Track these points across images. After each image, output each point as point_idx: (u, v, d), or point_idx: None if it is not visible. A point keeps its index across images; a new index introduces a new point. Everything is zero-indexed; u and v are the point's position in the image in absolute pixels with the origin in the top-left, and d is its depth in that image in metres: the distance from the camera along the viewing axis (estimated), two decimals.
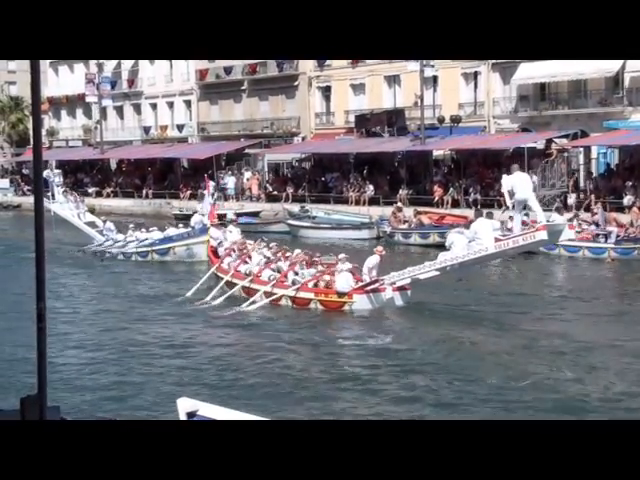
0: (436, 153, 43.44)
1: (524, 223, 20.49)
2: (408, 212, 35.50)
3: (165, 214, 46.24)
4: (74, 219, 33.95)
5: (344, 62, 49.98)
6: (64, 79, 69.54)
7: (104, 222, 33.27)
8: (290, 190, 44.97)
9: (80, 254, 30.96)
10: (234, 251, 23.49)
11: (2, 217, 53.15)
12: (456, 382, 13.90)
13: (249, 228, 35.26)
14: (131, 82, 64.71)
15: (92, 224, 33.69)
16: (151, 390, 13.74)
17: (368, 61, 47.95)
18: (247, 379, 14.41)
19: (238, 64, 55.74)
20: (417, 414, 12.22)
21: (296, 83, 53.75)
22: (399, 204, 37.17)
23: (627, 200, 33.80)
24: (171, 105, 62.64)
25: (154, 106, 63.83)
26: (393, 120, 46.13)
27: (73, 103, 69.05)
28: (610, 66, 39.14)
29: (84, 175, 58.49)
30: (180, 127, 61.78)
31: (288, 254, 22.14)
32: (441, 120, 45.01)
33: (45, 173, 35.47)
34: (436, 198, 39.35)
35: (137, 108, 65.10)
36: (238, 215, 39.96)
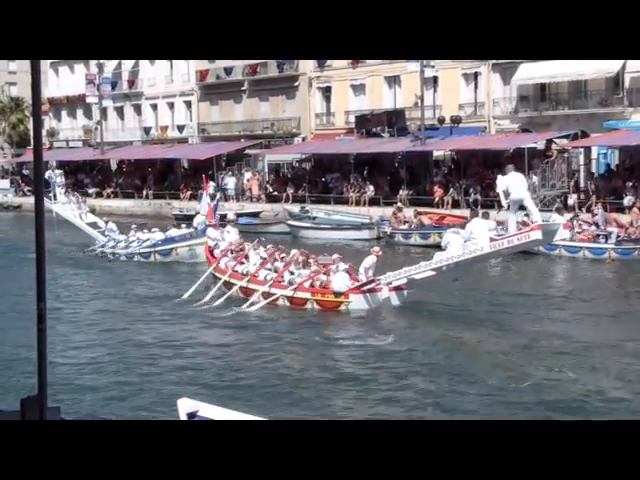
0: (436, 153, 43.45)
1: (525, 224, 20.49)
2: (408, 212, 35.49)
3: (165, 215, 46.23)
4: (76, 220, 33.93)
5: (344, 63, 50.00)
6: (64, 80, 69.57)
7: (106, 223, 33.23)
8: (290, 191, 44.97)
9: (84, 255, 30.84)
10: (231, 252, 23.52)
11: (2, 218, 53.14)
12: (455, 382, 13.90)
13: (249, 229, 35.27)
14: (131, 83, 64.73)
15: (94, 225, 33.64)
16: (151, 391, 13.74)
17: (368, 62, 47.97)
18: (246, 379, 14.42)
19: (238, 65, 55.75)
20: (415, 414, 12.22)
21: (296, 84, 53.77)
22: (399, 204, 37.16)
23: (627, 201, 33.80)
24: (171, 106, 62.67)
25: (154, 107, 63.85)
26: (393, 121, 46.13)
27: (73, 104, 69.08)
28: (610, 66, 39.14)
29: (84, 176, 58.47)
30: (180, 128, 61.80)
31: (282, 255, 22.15)
32: (441, 121, 45.01)
33: (47, 174, 35.52)
34: (436, 199, 39.35)
35: (137, 109, 65.12)
36: (238, 216, 40.03)
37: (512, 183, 19.29)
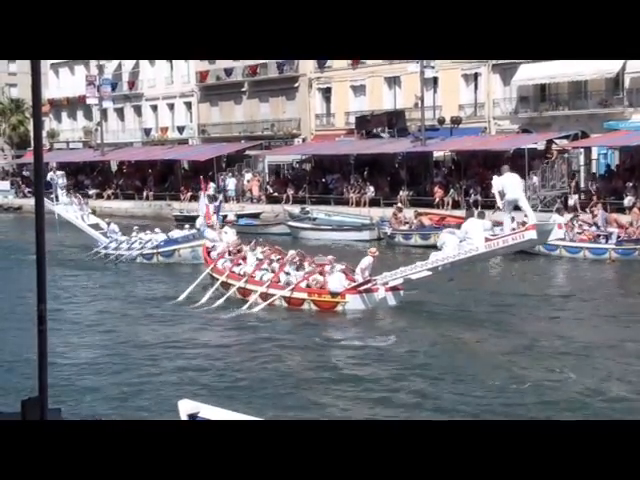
0: (436, 154, 43.45)
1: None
2: (409, 213, 35.51)
3: (166, 216, 46.22)
4: (78, 221, 33.89)
5: (344, 63, 50.03)
6: (65, 81, 69.62)
7: (108, 224, 33.20)
8: (291, 191, 44.97)
9: (88, 258, 30.68)
10: (229, 253, 23.54)
11: (3, 219, 53.15)
12: (454, 382, 13.89)
13: (250, 230, 35.28)
14: (132, 84, 64.76)
15: (96, 226, 33.58)
16: (152, 392, 13.74)
17: (368, 62, 48.01)
18: (246, 380, 14.43)
19: (238, 66, 55.78)
20: (413, 413, 12.21)
21: (296, 84, 53.79)
22: (400, 205, 37.17)
23: (627, 201, 33.80)
24: (171, 107, 62.69)
25: (154, 108, 63.88)
26: (393, 121, 46.15)
27: (74, 105, 69.12)
28: (610, 67, 39.15)
29: (84, 177, 58.46)
30: (181, 129, 61.83)
31: (278, 257, 22.16)
32: (441, 121, 45.02)
33: (49, 175, 35.54)
34: (437, 199, 39.35)
35: (138, 110, 65.15)
36: (239, 217, 40.02)
37: (507, 183, 19.40)
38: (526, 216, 20.28)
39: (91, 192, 54.24)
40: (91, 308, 22.18)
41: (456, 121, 44.56)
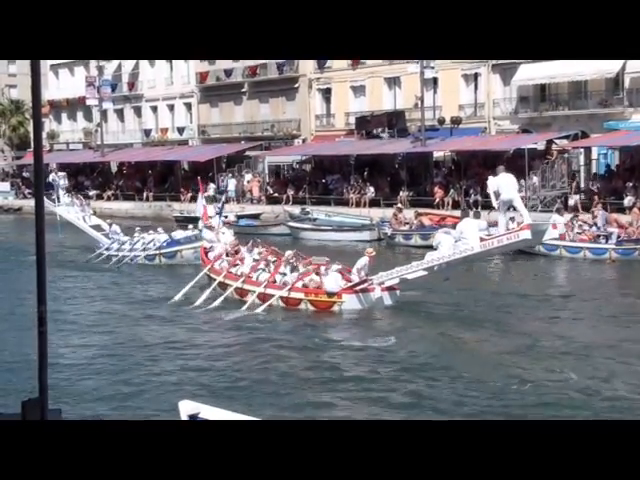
0: (436, 154, 43.46)
1: None
2: (409, 214, 35.51)
3: (166, 217, 46.20)
4: (79, 222, 33.86)
5: (344, 64, 50.04)
6: (65, 82, 69.63)
7: (110, 225, 33.17)
8: (291, 192, 44.98)
9: (90, 261, 30.52)
10: (227, 254, 23.55)
11: (3, 220, 53.14)
12: (452, 382, 13.89)
13: (250, 230, 35.29)
14: (131, 85, 64.77)
15: (98, 227, 33.55)
16: (152, 392, 13.75)
17: (368, 63, 48.02)
18: (245, 380, 14.45)
19: (238, 66, 55.78)
20: (412, 413, 12.21)
21: (296, 85, 53.80)
22: (400, 206, 37.18)
23: (627, 201, 33.82)
24: (171, 108, 62.70)
25: (154, 109, 63.88)
26: (393, 122, 46.17)
27: (74, 106, 69.13)
28: (610, 67, 39.16)
29: (85, 178, 58.48)
30: (181, 130, 61.83)
31: (274, 259, 22.17)
32: (441, 121, 45.04)
33: (51, 177, 35.57)
34: (437, 199, 39.36)
35: (137, 111, 65.15)
36: (239, 217, 40.04)
37: (502, 184, 19.49)
38: (522, 216, 20.33)
39: (91, 193, 54.24)
40: (91, 309, 22.17)
41: (456, 121, 44.57)
